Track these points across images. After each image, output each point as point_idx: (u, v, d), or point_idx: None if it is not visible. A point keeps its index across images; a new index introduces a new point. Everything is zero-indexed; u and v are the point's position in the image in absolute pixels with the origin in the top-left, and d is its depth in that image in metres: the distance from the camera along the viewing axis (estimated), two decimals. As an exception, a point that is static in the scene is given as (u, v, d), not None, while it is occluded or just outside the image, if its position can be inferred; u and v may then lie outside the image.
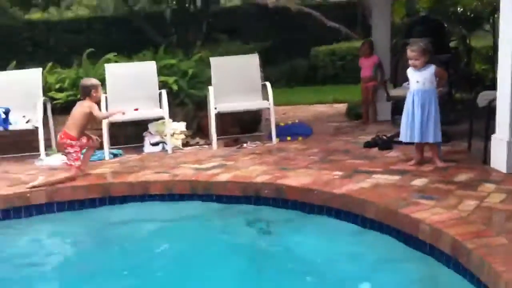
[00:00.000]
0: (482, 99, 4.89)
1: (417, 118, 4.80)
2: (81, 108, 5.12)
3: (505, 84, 4.33)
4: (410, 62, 4.85)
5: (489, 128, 4.66)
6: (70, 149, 5.01)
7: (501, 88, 4.42)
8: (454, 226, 3.26)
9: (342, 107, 9.27)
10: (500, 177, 4.30)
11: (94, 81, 5.29)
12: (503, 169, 4.39)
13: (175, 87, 6.84)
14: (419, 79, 4.82)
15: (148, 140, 6.46)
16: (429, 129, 4.80)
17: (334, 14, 17.49)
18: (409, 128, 4.88)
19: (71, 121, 5.09)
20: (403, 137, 4.98)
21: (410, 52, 4.83)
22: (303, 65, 15.18)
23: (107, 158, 6.04)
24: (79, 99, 5.34)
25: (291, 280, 3.29)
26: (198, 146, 6.52)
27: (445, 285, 3.09)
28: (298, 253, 3.72)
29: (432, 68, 4.82)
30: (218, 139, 6.47)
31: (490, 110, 4.60)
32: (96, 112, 5.14)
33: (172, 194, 4.84)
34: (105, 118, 5.82)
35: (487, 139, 4.68)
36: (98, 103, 5.39)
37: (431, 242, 3.30)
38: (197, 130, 7.07)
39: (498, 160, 4.48)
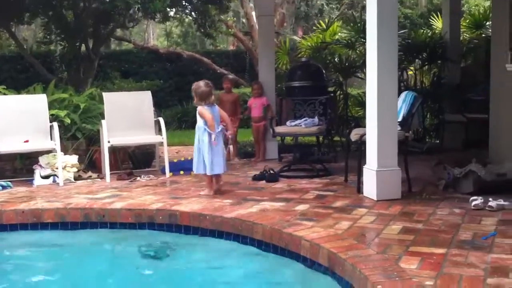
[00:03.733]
0: (354, 134, 5.49)
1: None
2: None
3: (372, 121, 4.96)
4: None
5: (362, 161, 5.23)
6: None
7: (369, 124, 5.04)
8: (331, 241, 3.68)
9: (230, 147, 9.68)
10: (371, 203, 4.84)
11: None
12: (374, 197, 4.94)
13: (67, 120, 6.87)
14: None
15: (38, 172, 6.39)
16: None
17: (224, 61, 18.22)
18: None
19: None
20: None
21: None
22: (194, 108, 15.52)
23: (-6, 189, 5.92)
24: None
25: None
26: (90, 180, 6.56)
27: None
28: (192, 275, 3.94)
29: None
30: (111, 173, 6.55)
31: (361, 144, 5.19)
32: None
33: (65, 222, 4.88)
34: None
35: (360, 171, 5.25)
36: None
37: (311, 256, 3.69)
38: (89, 164, 7.09)
39: (369, 188, 5.04)
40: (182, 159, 7.69)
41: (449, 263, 3.19)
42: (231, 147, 5.44)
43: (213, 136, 5.27)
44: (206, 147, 5.33)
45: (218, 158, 5.36)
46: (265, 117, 7.95)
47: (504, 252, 3.38)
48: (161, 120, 6.84)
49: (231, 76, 8.38)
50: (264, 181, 6.09)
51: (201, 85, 5.39)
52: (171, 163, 6.93)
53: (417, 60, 9.07)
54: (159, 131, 6.91)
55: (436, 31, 9.82)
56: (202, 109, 5.38)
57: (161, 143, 6.82)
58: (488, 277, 2.93)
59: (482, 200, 4.53)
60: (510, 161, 5.44)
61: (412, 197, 5.06)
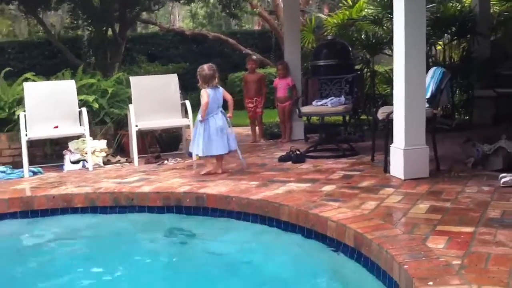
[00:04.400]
0: (381, 112, 5.42)
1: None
2: None
3: (400, 98, 4.89)
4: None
5: (389, 140, 5.17)
6: None
7: (396, 102, 4.97)
8: (357, 221, 3.66)
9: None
10: (399, 182, 4.80)
11: None
12: (401, 176, 4.89)
13: (95, 106, 6.96)
14: None
15: (68, 158, 6.51)
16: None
17: (250, 42, 18.14)
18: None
19: None
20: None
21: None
22: (220, 90, 15.58)
23: (26, 176, 6.05)
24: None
25: (214, 281, 3.50)
26: (119, 164, 6.65)
27: (348, 274, 3.45)
28: (219, 256, 3.98)
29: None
30: (139, 157, 6.63)
31: (388, 122, 5.13)
32: None
33: (94, 206, 4.97)
34: None
35: (387, 150, 5.20)
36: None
37: (337, 237, 3.68)
38: (118, 148, 7.20)
39: (396, 167, 4.99)
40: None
41: (477, 241, 3.15)
42: (230, 130, 5.61)
43: (199, 119, 5.55)
44: (199, 129, 5.56)
45: (211, 140, 5.56)
46: (291, 98, 7.92)
47: (534, 230, 3.32)
48: (187, 103, 6.88)
49: (255, 56, 8.36)
50: (290, 162, 6.09)
51: (204, 68, 5.62)
52: (198, 146, 6.96)
53: (446, 34, 8.88)
54: (185, 114, 6.95)
55: (466, 4, 9.58)
56: (203, 92, 5.57)
57: (188, 126, 6.86)
58: (517, 256, 2.89)
59: (511, 177, 4.45)
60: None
61: (440, 175, 4.99)
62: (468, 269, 2.74)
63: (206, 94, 5.52)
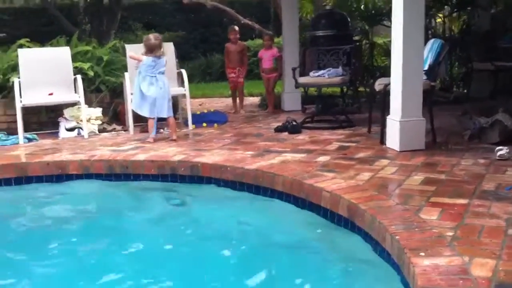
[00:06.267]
0: (378, 84, 5.38)
1: None
2: None
3: (397, 70, 4.85)
4: None
5: (386, 112, 5.14)
6: None
7: (393, 74, 4.93)
8: (351, 192, 3.66)
9: (255, 99, 9.63)
10: (394, 153, 4.79)
11: None
12: (397, 148, 4.87)
13: (90, 73, 6.90)
14: None
15: (63, 125, 6.48)
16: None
17: (248, 11, 17.89)
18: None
19: None
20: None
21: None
22: (218, 61, 15.43)
23: (21, 142, 6.02)
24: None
25: (208, 249, 3.52)
26: (114, 132, 6.62)
27: (341, 244, 3.46)
28: (213, 224, 3.98)
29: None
30: (134, 126, 6.59)
31: (385, 94, 5.09)
32: None
33: (89, 174, 4.96)
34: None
35: (383, 122, 5.17)
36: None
37: (331, 207, 3.68)
38: (113, 117, 7.15)
39: (392, 139, 4.97)
40: (205, 111, 7.70)
41: (471, 214, 3.16)
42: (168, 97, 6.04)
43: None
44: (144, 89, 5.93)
45: (143, 99, 5.95)
46: (276, 69, 7.93)
47: (528, 203, 3.32)
48: (184, 72, 6.80)
49: (236, 27, 8.17)
50: (286, 133, 6.06)
51: (151, 37, 6.03)
52: (194, 115, 6.94)
53: (446, 6, 8.78)
54: (181, 83, 6.89)
55: (467, -24, 9.43)
56: (133, 54, 6.18)
57: (184, 95, 6.81)
58: (510, 228, 2.89)
59: (507, 150, 4.44)
60: (539, 111, 5.30)
61: (436, 147, 4.98)
62: (460, 241, 2.75)
63: (142, 58, 5.95)
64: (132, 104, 6.14)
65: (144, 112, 6.00)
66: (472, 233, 2.86)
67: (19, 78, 6.32)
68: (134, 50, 6.95)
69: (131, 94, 6.46)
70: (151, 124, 6.00)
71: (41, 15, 16.68)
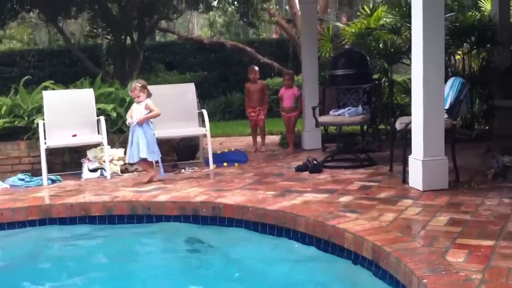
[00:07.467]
0: (400, 123, 5.37)
1: None
2: None
3: (418, 109, 4.85)
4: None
5: (407, 151, 5.12)
6: None
7: (414, 113, 4.92)
8: (375, 234, 3.62)
9: (275, 138, 9.66)
10: (417, 193, 4.74)
11: None
12: (420, 187, 4.83)
13: (113, 114, 7.00)
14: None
15: (86, 166, 6.55)
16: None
17: (267, 50, 18.15)
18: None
19: None
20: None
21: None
22: (237, 99, 15.60)
23: (45, 184, 6.09)
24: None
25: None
26: (136, 173, 6.67)
27: (365, 286, 3.41)
28: (235, 266, 3.96)
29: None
30: (156, 166, 6.63)
31: (406, 133, 5.08)
32: None
33: (112, 215, 4.98)
34: None
35: (405, 161, 5.14)
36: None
37: (355, 249, 3.64)
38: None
39: (415, 178, 4.93)
40: (226, 150, 7.73)
41: (498, 255, 3.10)
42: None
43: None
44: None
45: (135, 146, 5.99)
46: (296, 108, 7.96)
47: (556, 244, 3.25)
48: (205, 112, 6.88)
49: (256, 67, 8.26)
50: (307, 172, 6.05)
51: (144, 82, 6.24)
52: (215, 155, 6.98)
53: (465, 44, 8.77)
54: (202, 123, 6.95)
55: (485, 13, 9.46)
56: (151, 103, 6.14)
57: (205, 135, 6.87)
58: (539, 272, 2.83)
59: (533, 190, 4.37)
60: None
61: (459, 187, 4.93)
62: (488, 284, 2.70)
63: (157, 108, 6.06)
64: (147, 154, 6.07)
65: (133, 159, 6.06)
66: (500, 276, 2.81)
67: (43, 120, 6.45)
68: (156, 91, 7.05)
69: (154, 134, 6.54)
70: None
71: (65, 56, 17.15)
